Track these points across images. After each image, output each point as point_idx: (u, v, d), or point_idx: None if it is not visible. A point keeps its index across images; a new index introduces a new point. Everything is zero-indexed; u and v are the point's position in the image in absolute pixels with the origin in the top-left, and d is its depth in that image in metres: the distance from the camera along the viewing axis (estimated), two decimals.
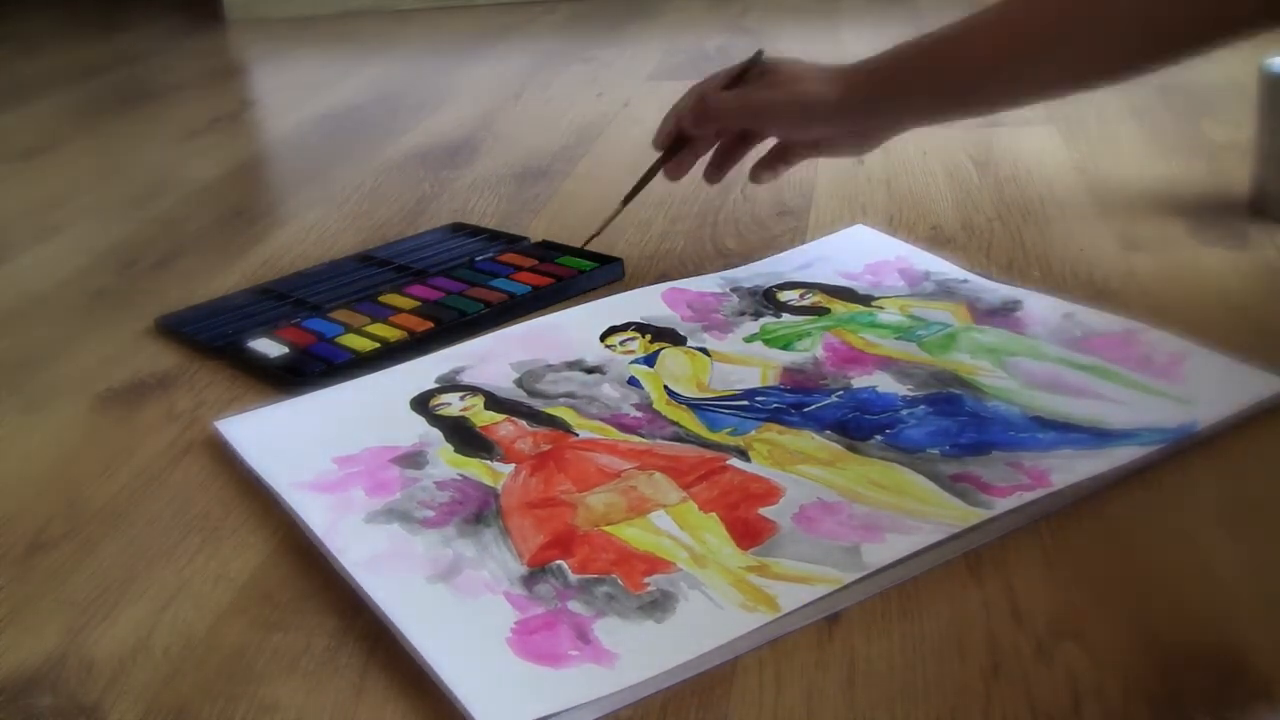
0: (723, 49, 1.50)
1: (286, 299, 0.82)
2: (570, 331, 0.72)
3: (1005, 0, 0.68)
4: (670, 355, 0.69)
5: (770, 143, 0.81)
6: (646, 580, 0.49)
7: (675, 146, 0.80)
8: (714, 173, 0.83)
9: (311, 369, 0.71)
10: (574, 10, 1.85)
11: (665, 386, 0.65)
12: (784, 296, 0.75)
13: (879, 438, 0.58)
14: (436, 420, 0.63)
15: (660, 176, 0.82)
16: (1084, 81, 0.70)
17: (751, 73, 0.78)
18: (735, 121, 0.78)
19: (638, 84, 1.35)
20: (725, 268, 0.81)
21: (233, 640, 0.49)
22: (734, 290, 0.76)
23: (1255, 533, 0.50)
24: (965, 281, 0.74)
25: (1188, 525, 0.51)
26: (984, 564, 0.49)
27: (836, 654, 0.45)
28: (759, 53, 0.79)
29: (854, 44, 1.46)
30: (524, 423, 0.62)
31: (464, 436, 0.62)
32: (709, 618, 0.46)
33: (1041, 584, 0.48)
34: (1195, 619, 0.45)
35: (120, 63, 1.77)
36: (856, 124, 0.75)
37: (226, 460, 0.63)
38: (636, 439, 0.60)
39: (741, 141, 0.81)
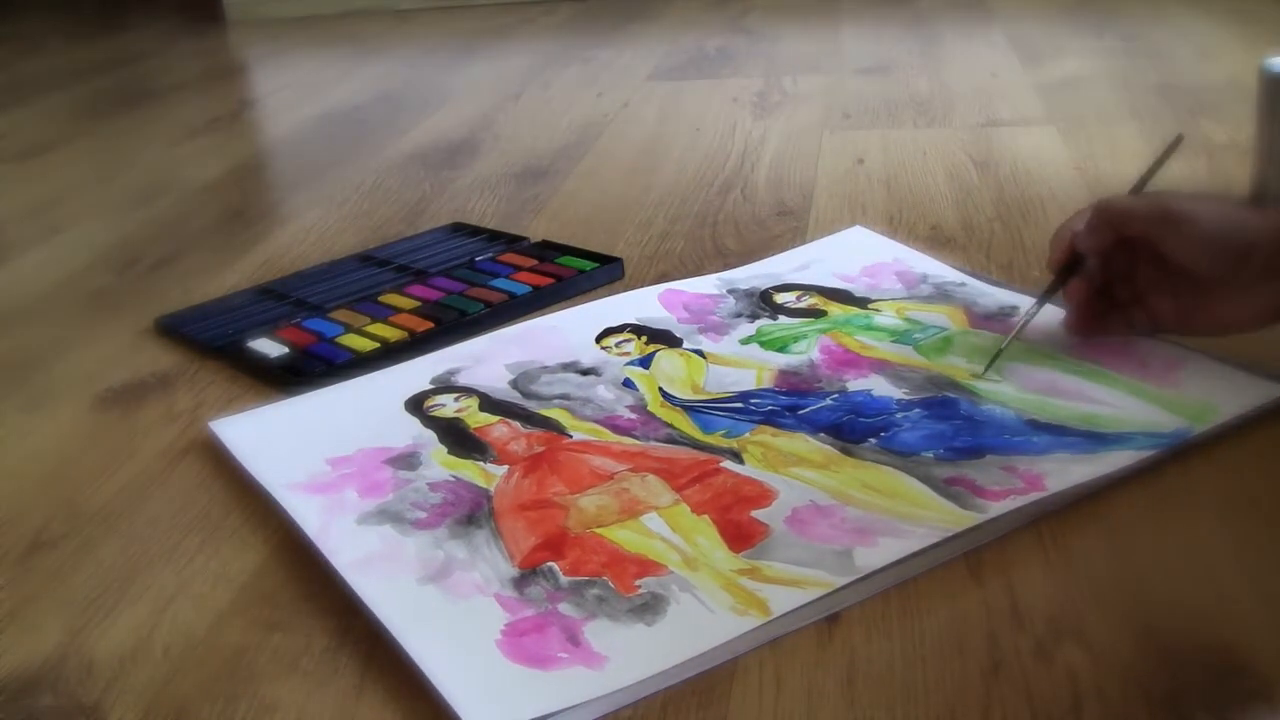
0: (723, 49, 1.50)
1: (286, 299, 0.82)
2: (566, 333, 0.72)
3: None
4: (665, 357, 0.69)
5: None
6: (638, 583, 0.49)
7: (1069, 269, 0.65)
8: (1084, 319, 0.65)
9: (311, 369, 0.71)
10: (574, 10, 1.85)
11: (660, 388, 0.65)
12: (780, 298, 0.75)
13: (873, 441, 0.58)
14: (431, 421, 0.64)
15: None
16: None
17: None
18: (1140, 225, 0.61)
19: (638, 84, 1.35)
20: (725, 268, 0.81)
21: (233, 640, 0.49)
22: (730, 292, 0.77)
23: (1255, 533, 0.50)
24: (962, 285, 0.75)
25: (1188, 525, 0.51)
26: (984, 564, 0.50)
27: (836, 654, 0.45)
28: (1179, 138, 0.67)
29: (854, 44, 1.47)
30: (518, 424, 0.63)
31: (458, 438, 0.62)
32: (699, 621, 0.46)
33: (1041, 584, 0.48)
34: (1195, 619, 0.46)
35: (120, 63, 1.77)
36: None
37: (226, 460, 0.63)
38: (630, 441, 0.60)
39: (1125, 279, 0.64)
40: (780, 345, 0.69)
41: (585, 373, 0.67)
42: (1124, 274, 0.64)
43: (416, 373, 0.69)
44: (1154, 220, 0.60)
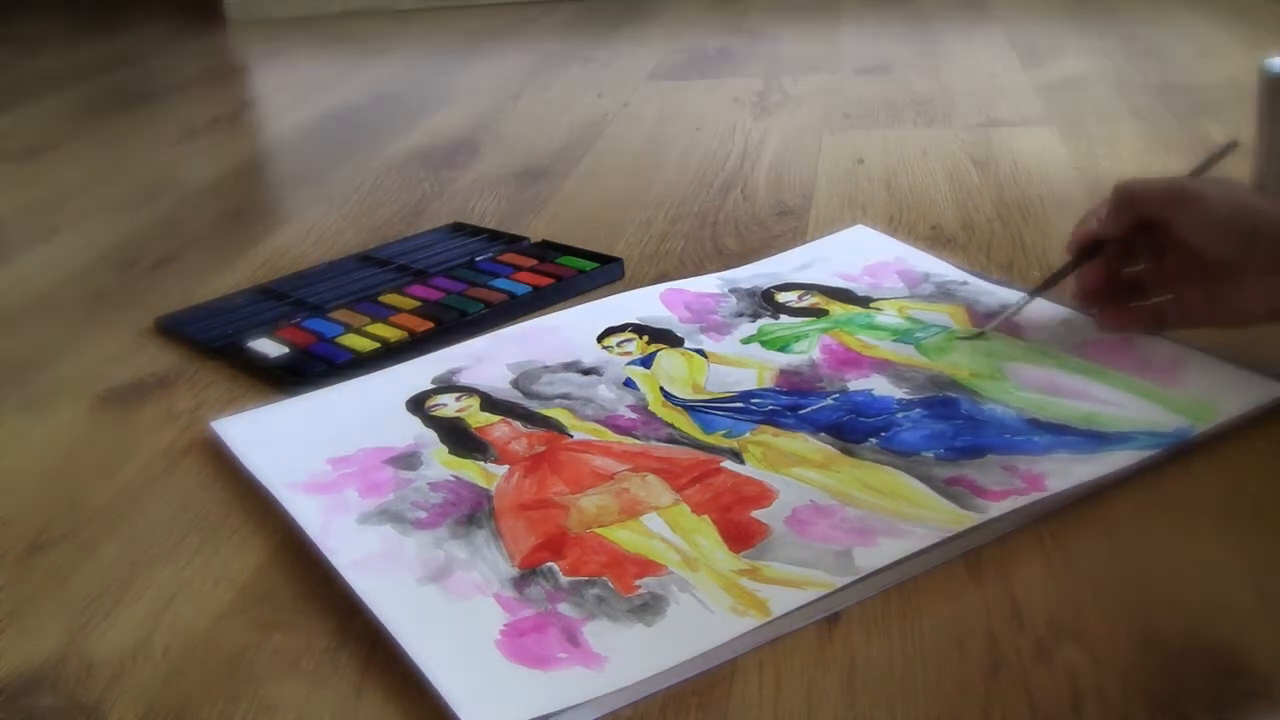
0: (723, 49, 1.50)
1: (286, 299, 0.82)
2: (567, 332, 0.72)
3: None
4: (667, 357, 0.69)
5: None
6: (637, 583, 0.49)
7: (1090, 251, 0.66)
8: (1099, 306, 0.66)
9: (312, 369, 0.71)
10: (574, 10, 1.85)
11: (661, 388, 0.65)
12: (782, 298, 0.75)
13: (873, 440, 0.58)
14: (432, 421, 0.64)
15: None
16: None
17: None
18: (1154, 204, 0.62)
19: (638, 84, 1.35)
20: (725, 268, 0.81)
21: (233, 640, 0.49)
22: (732, 291, 0.76)
23: (1255, 533, 0.50)
24: (964, 284, 0.75)
25: (1188, 525, 0.51)
26: (984, 564, 0.50)
27: (836, 654, 0.45)
28: (1232, 143, 0.68)
29: (854, 44, 1.47)
30: (519, 424, 0.63)
31: (458, 438, 0.62)
32: (699, 622, 0.46)
33: (1041, 584, 0.48)
34: (1195, 619, 0.46)
35: (120, 63, 1.77)
36: None
37: (227, 460, 0.63)
38: (631, 440, 0.60)
39: (1152, 253, 0.65)
40: (781, 345, 0.69)
41: (587, 372, 0.67)
42: (1151, 262, 0.65)
43: (418, 372, 0.69)
44: (1167, 200, 0.62)
